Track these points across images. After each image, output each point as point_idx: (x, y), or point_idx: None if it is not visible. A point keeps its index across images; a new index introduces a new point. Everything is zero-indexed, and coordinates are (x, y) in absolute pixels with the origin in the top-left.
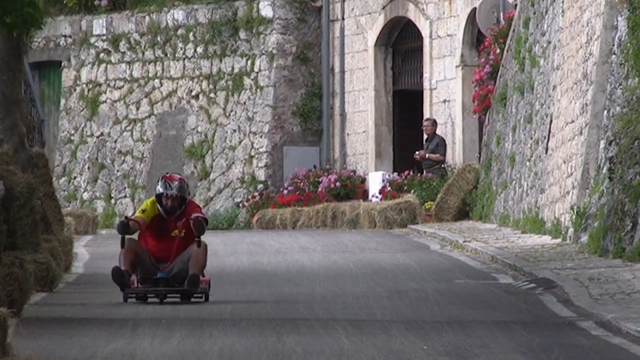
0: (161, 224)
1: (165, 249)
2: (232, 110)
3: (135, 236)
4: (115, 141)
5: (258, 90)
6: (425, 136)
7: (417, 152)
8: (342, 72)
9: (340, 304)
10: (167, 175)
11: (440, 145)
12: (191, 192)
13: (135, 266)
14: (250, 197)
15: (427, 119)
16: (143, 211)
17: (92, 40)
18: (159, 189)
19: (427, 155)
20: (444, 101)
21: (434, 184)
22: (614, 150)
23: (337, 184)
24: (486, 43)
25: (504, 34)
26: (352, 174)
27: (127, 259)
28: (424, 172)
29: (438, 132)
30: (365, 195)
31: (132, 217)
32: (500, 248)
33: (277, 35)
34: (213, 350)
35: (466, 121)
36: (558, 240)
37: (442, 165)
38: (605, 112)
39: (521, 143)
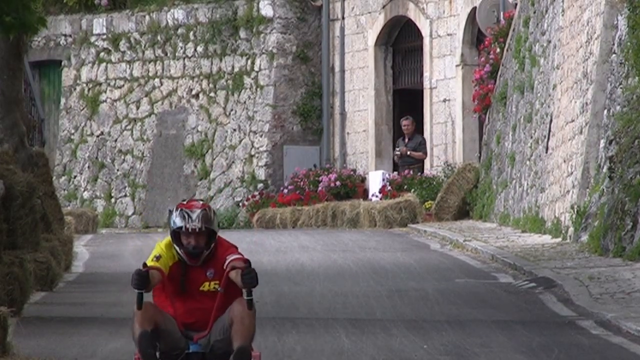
0: (183, 275)
1: (196, 311)
2: (232, 110)
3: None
4: (116, 140)
5: (258, 89)
6: (404, 135)
7: (397, 149)
8: (342, 71)
9: (340, 303)
10: (184, 202)
11: (423, 144)
12: (218, 220)
13: (157, 340)
14: (250, 196)
15: (406, 118)
16: (157, 258)
17: (92, 39)
18: (176, 222)
19: (408, 152)
20: (444, 100)
21: (434, 183)
22: (614, 150)
23: (337, 183)
24: (486, 42)
25: (504, 33)
26: (352, 173)
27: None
28: (400, 170)
29: (438, 131)
30: (365, 194)
31: (152, 266)
32: (500, 247)
33: (277, 34)
34: None
35: (466, 120)
36: (558, 240)
37: (418, 164)
38: (606, 111)
39: (521, 142)
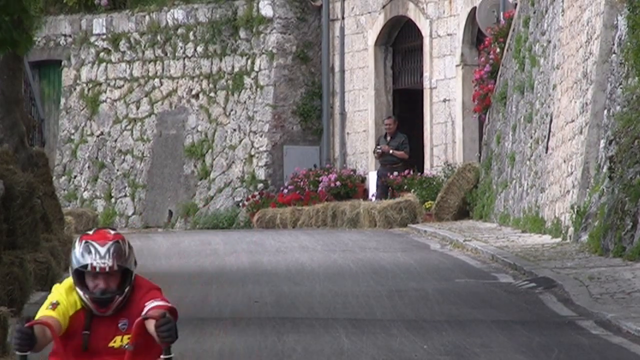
0: (87, 328)
1: None
2: (232, 110)
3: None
4: (116, 140)
5: (258, 89)
6: (385, 133)
7: (378, 147)
8: (342, 71)
9: (340, 303)
10: (90, 233)
11: (405, 143)
12: (135, 257)
13: None
14: (250, 196)
15: (388, 117)
16: (53, 305)
17: (92, 39)
18: (79, 258)
19: (390, 151)
20: (444, 100)
21: (434, 183)
22: (614, 150)
23: (337, 183)
24: (486, 42)
25: (504, 33)
26: (352, 173)
27: None
28: (380, 169)
29: (438, 131)
30: (365, 194)
31: (39, 319)
32: (500, 247)
33: (277, 34)
34: (213, 350)
35: (466, 120)
36: (558, 240)
37: (400, 163)
38: (605, 111)
39: (521, 142)
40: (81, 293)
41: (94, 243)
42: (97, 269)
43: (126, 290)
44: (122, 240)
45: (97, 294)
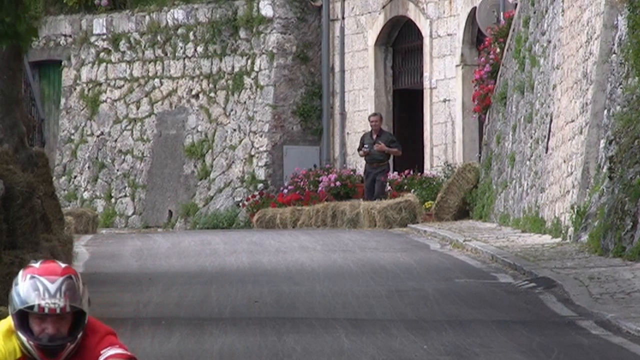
0: None
1: None
2: (232, 110)
3: None
4: (116, 140)
5: (258, 89)
6: (370, 131)
7: (365, 146)
8: (342, 71)
9: (340, 303)
10: (36, 266)
11: (395, 141)
12: (86, 294)
13: None
14: (250, 196)
15: (374, 114)
16: None
17: (92, 39)
18: (23, 297)
19: (386, 149)
20: (444, 100)
21: (434, 183)
22: (614, 150)
23: (337, 183)
24: (486, 42)
25: (504, 33)
26: (352, 173)
27: None
28: (367, 168)
29: (438, 131)
30: (365, 194)
31: None
32: (500, 247)
33: (277, 34)
34: (213, 350)
35: (466, 120)
36: (558, 240)
37: (386, 161)
38: (606, 111)
39: (521, 142)
40: (24, 339)
41: (41, 279)
42: (46, 311)
43: (79, 336)
44: (75, 276)
45: (44, 341)
